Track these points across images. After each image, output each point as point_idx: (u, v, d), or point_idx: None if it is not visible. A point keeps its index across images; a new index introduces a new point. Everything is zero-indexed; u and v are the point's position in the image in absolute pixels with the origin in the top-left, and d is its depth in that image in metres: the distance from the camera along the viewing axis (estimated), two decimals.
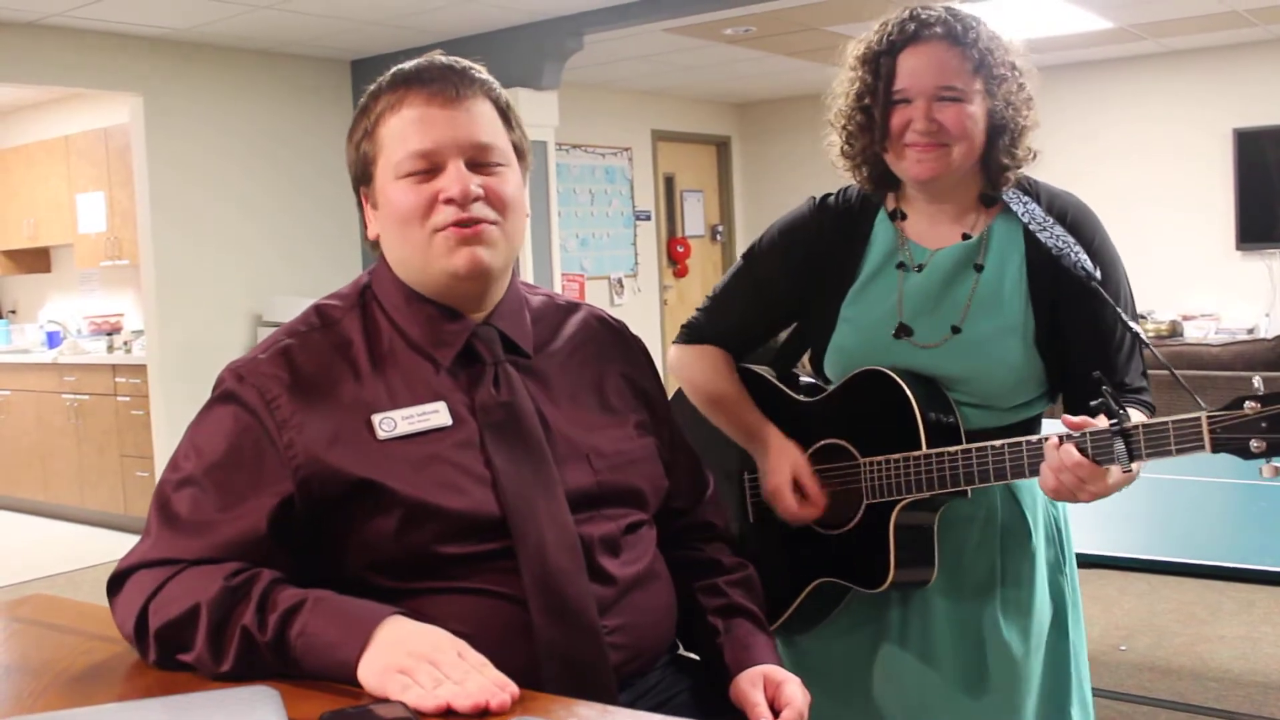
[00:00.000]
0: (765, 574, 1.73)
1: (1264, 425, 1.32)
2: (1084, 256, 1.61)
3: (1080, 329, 1.67)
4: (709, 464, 1.68)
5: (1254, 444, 1.33)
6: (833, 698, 1.79)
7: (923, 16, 1.65)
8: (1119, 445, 1.43)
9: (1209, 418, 1.37)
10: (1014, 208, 1.68)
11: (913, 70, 1.63)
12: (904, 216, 1.75)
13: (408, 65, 1.41)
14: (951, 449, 1.61)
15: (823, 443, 1.76)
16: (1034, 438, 1.55)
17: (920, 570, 1.68)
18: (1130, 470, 1.46)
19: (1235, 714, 3.30)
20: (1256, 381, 1.35)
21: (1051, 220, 1.66)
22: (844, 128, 1.73)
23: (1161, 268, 7.11)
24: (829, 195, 1.82)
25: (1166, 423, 1.40)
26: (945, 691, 1.72)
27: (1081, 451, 1.46)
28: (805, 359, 1.90)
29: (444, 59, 1.42)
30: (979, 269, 1.69)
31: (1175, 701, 3.43)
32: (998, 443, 1.58)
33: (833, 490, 1.73)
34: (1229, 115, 7.41)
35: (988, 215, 1.72)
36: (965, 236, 1.71)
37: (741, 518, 1.87)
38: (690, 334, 1.90)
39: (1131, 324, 1.64)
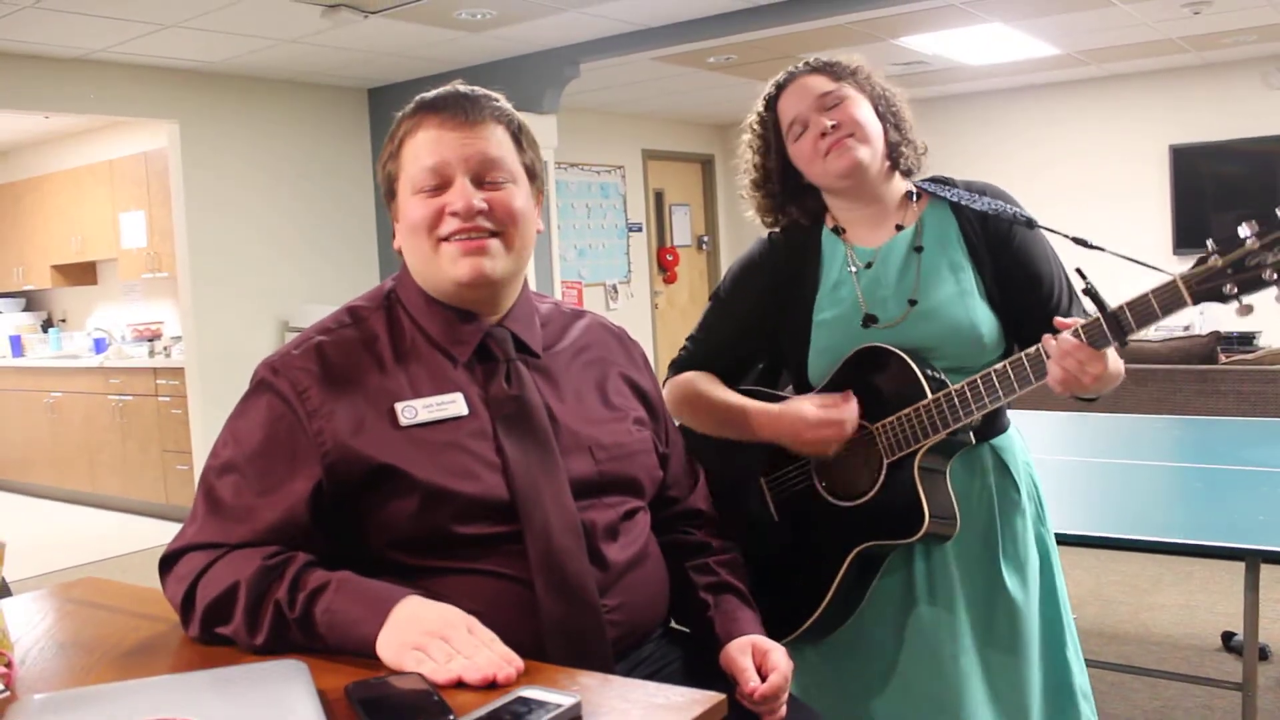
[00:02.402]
0: (801, 564, 1.70)
1: (1230, 272, 1.38)
2: (1016, 209, 1.66)
3: (1025, 278, 1.70)
4: (728, 477, 1.67)
5: (1226, 288, 1.38)
6: (860, 678, 1.74)
7: (790, 69, 1.74)
8: (1110, 326, 1.47)
9: (1183, 278, 1.41)
10: (941, 194, 1.72)
11: (792, 104, 1.72)
12: (843, 231, 1.78)
13: (430, 93, 1.41)
14: (957, 385, 1.59)
15: None
16: (1031, 349, 1.55)
17: (947, 520, 1.64)
18: (1126, 345, 1.50)
19: (1174, 674, 3.31)
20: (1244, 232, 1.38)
21: (975, 195, 1.71)
22: (756, 187, 1.80)
23: (1105, 270, 7.10)
24: (773, 231, 1.84)
25: (1147, 294, 1.44)
26: (962, 640, 1.69)
27: (1076, 338, 1.49)
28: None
29: (464, 88, 1.42)
30: (919, 250, 1.72)
31: (1121, 664, 3.43)
32: (999, 365, 1.57)
33: (852, 461, 1.69)
34: (1165, 133, 7.43)
35: (917, 207, 1.75)
36: (899, 228, 1.74)
37: (767, 519, 1.80)
38: (679, 367, 1.88)
39: (1064, 269, 1.73)
